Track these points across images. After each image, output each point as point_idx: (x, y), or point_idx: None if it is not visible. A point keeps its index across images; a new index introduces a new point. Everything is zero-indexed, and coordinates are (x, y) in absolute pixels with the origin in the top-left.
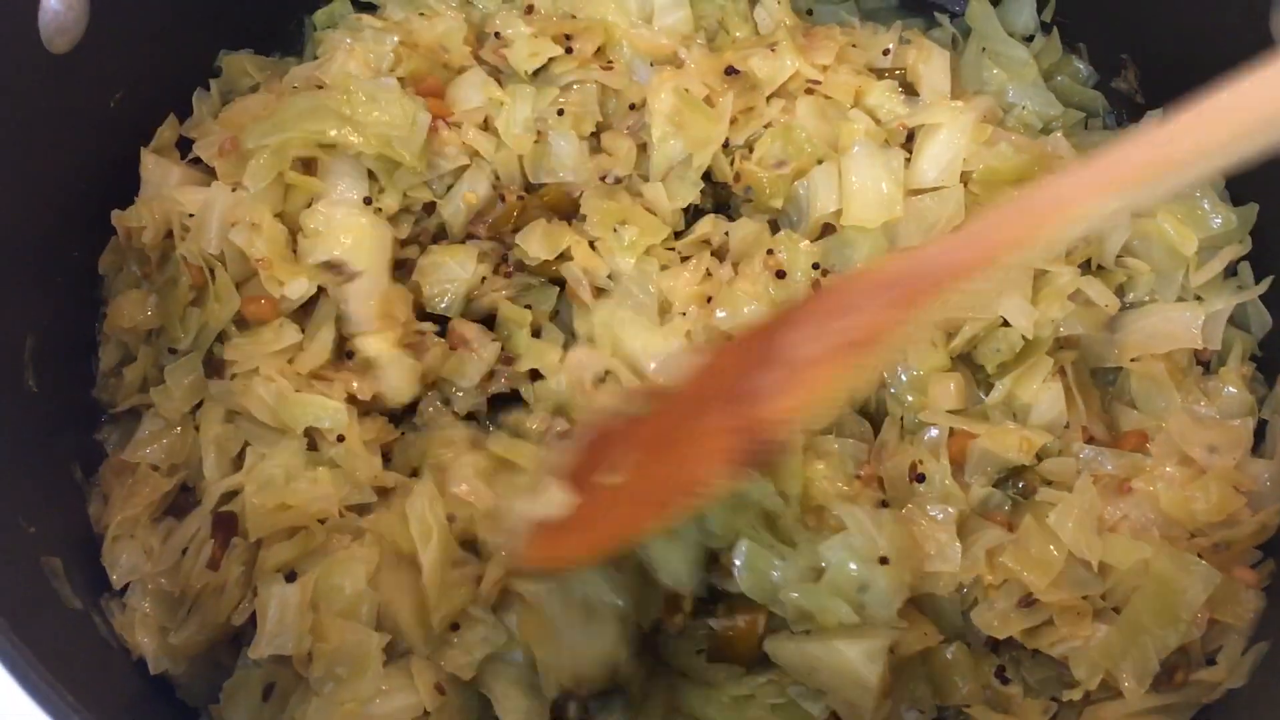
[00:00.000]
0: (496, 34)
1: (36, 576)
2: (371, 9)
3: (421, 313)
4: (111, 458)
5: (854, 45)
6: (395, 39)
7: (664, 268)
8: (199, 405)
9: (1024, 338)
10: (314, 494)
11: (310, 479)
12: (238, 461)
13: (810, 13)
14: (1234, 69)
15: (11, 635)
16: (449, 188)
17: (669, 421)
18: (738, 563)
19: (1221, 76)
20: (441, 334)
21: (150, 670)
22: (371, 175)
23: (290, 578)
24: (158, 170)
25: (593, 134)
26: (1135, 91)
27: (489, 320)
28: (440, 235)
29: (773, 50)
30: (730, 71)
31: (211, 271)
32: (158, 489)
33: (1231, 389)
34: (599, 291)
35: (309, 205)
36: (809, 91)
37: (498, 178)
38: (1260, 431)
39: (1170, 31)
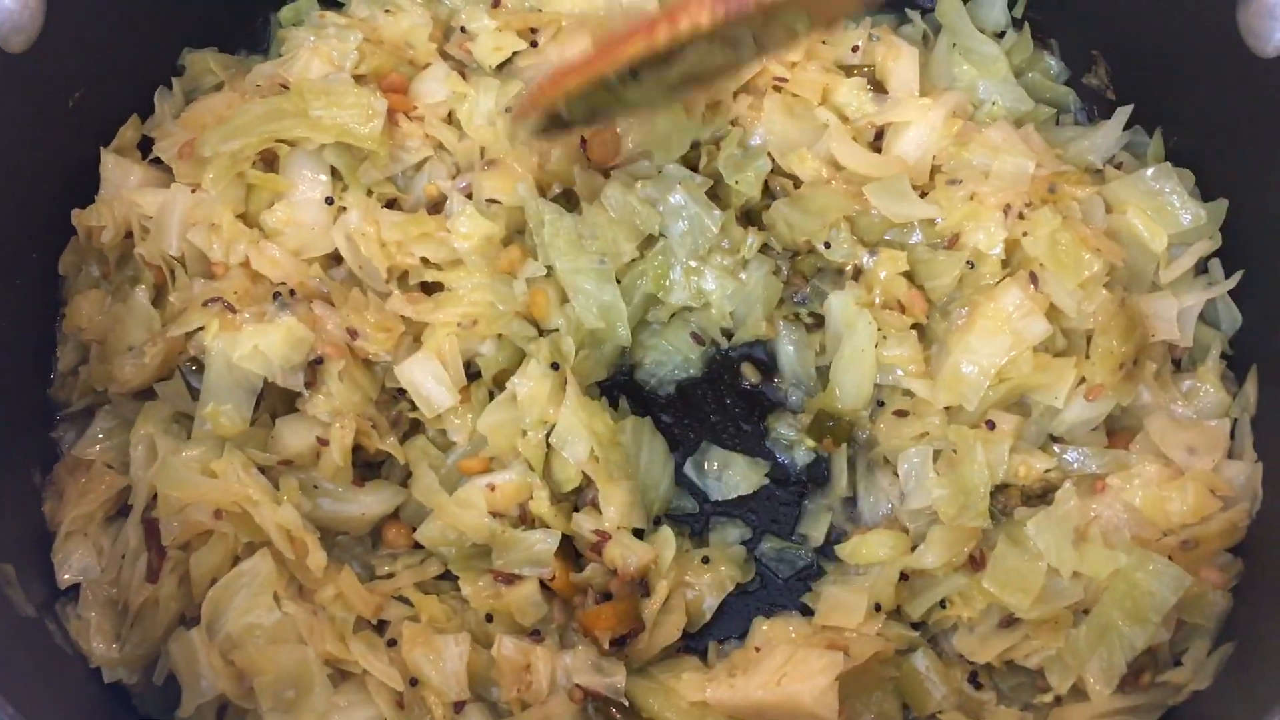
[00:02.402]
0: (462, 28)
1: None
2: (337, 6)
3: None
4: (66, 455)
5: (823, 42)
6: (359, 36)
7: None
8: None
9: None
10: (218, 483)
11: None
12: None
13: None
14: (1203, 64)
15: None
16: (411, 183)
17: None
18: None
19: (1191, 72)
20: None
21: (105, 679)
22: (336, 174)
23: (192, 624)
24: (118, 170)
25: None
26: (1106, 87)
27: None
28: None
29: None
30: None
31: (171, 272)
32: (112, 486)
33: (1209, 388)
34: None
35: (271, 205)
36: (776, 89)
37: (459, 169)
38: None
39: (1140, 28)
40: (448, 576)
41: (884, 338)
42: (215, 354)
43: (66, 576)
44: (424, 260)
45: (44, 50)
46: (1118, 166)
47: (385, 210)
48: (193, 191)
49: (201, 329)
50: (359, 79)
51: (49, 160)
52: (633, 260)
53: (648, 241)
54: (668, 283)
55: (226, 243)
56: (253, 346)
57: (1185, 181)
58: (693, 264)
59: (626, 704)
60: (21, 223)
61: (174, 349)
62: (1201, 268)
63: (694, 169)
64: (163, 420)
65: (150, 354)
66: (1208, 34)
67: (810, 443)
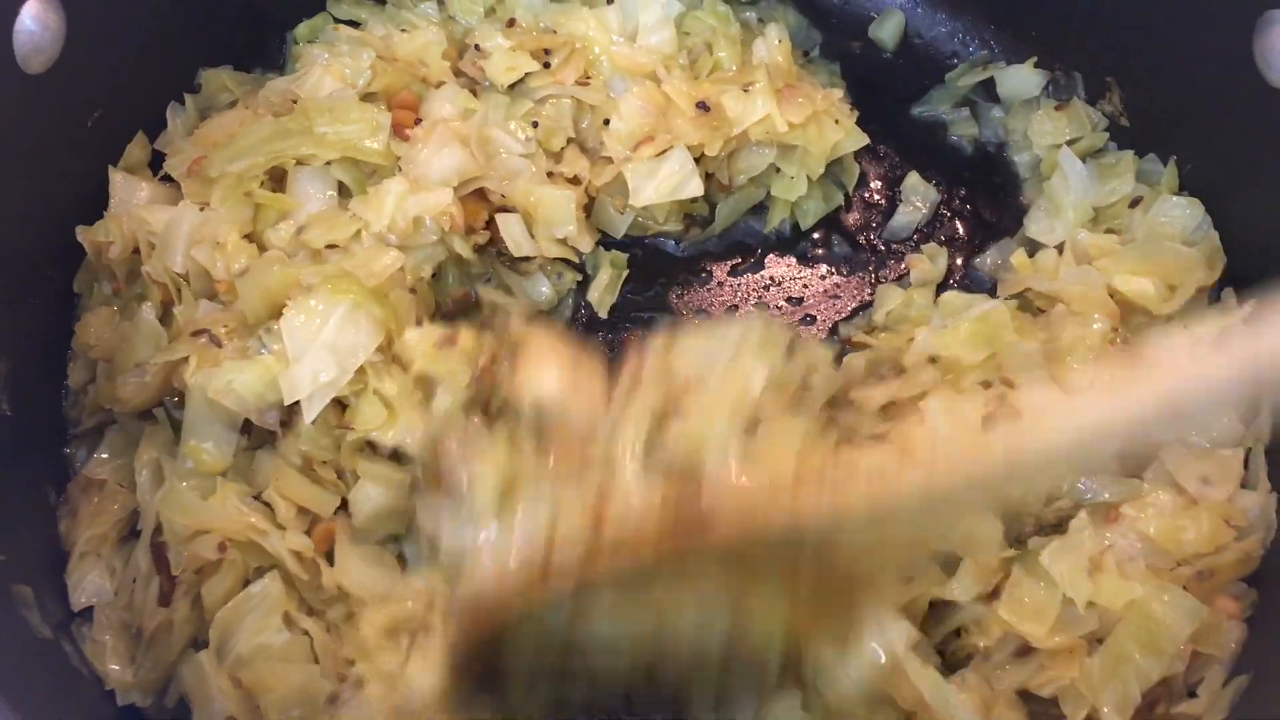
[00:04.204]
0: (476, 46)
1: (4, 606)
2: (355, 26)
3: None
4: (78, 474)
5: (826, 114)
6: (372, 54)
7: None
8: None
9: None
10: (222, 513)
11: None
12: None
13: (807, 54)
14: (1218, 93)
15: None
16: None
17: None
18: None
19: (1206, 100)
20: None
21: (118, 702)
22: (344, 192)
23: (201, 645)
24: (126, 186)
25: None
26: (1120, 114)
27: None
28: None
29: (746, 91)
30: (701, 106)
31: (178, 290)
32: (126, 506)
33: (1223, 418)
34: None
35: (276, 224)
36: None
37: None
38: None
39: (1155, 55)
40: None
41: None
42: (194, 389)
43: (81, 599)
44: None
45: (64, 71)
46: (1134, 204)
47: None
48: (201, 209)
49: (186, 359)
50: (369, 97)
51: (67, 180)
52: None
53: None
54: None
55: (230, 261)
56: (226, 382)
57: (1195, 210)
58: None
59: None
60: (39, 242)
61: (171, 372)
62: (1214, 296)
63: None
64: (165, 443)
65: (151, 373)
66: (1221, 61)
67: None
